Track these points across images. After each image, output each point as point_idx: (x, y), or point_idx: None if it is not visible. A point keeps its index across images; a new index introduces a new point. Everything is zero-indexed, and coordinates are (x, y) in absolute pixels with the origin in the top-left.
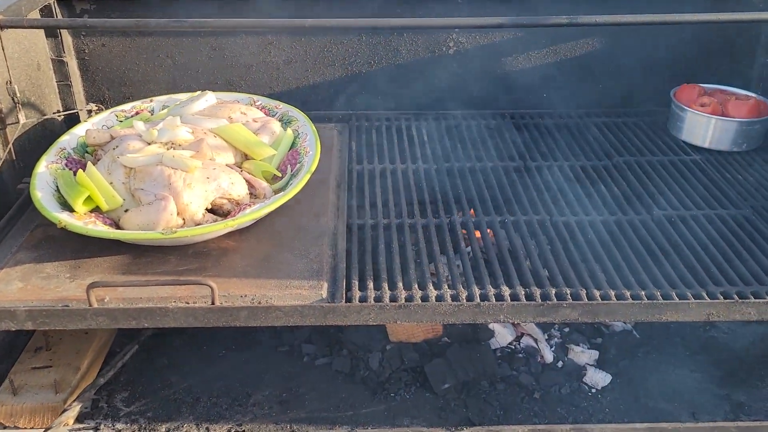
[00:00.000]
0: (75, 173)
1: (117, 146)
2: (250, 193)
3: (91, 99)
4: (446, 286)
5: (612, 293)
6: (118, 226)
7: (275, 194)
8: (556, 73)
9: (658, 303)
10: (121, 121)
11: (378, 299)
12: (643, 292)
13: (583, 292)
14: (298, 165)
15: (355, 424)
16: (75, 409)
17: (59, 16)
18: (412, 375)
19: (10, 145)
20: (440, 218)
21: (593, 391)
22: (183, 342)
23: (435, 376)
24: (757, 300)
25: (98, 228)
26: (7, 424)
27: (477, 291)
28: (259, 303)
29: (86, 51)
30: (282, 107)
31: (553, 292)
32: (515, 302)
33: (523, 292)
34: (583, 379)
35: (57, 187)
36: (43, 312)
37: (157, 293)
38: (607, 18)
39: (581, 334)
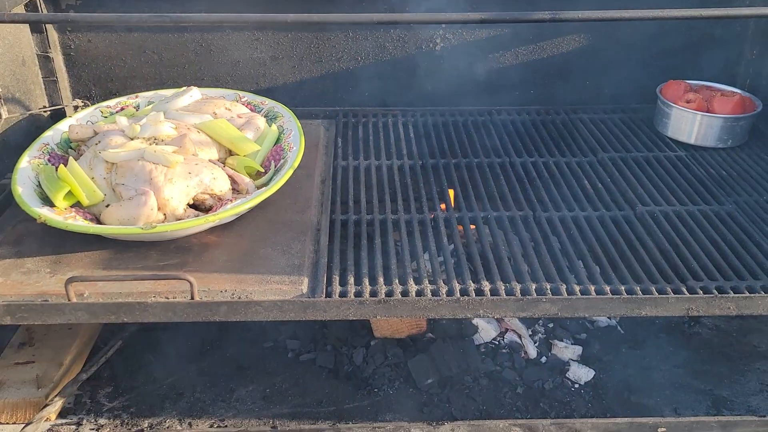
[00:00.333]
0: (57, 168)
1: (99, 141)
2: (233, 189)
3: (78, 95)
4: (427, 281)
5: (592, 288)
6: (99, 221)
7: (258, 190)
8: (542, 69)
9: (637, 298)
10: (105, 117)
11: (358, 294)
12: (622, 287)
13: (563, 287)
14: (281, 161)
15: (337, 419)
16: (57, 404)
17: (44, 12)
18: (396, 370)
19: None
20: (423, 214)
21: (576, 386)
22: (168, 337)
23: (418, 372)
24: (737, 295)
25: (78, 223)
26: None
27: (457, 286)
28: (239, 298)
29: (72, 47)
30: (267, 103)
31: (533, 287)
32: (495, 297)
33: (503, 287)
34: (567, 375)
35: (39, 182)
36: (21, 307)
37: (137, 288)
38: (590, 14)
39: (565, 329)
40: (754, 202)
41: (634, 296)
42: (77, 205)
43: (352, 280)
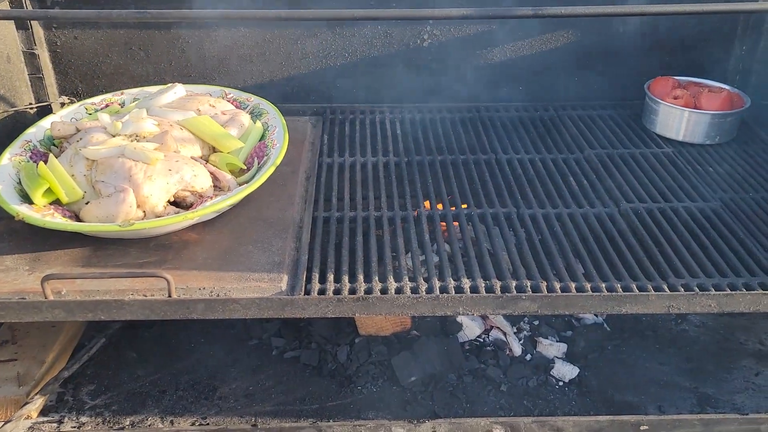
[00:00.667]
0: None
1: (81, 139)
2: (215, 186)
3: (64, 92)
4: (407, 279)
5: (572, 285)
6: (79, 219)
7: (240, 187)
8: (531, 65)
9: (617, 295)
10: (90, 114)
11: (337, 292)
12: (603, 285)
13: (544, 285)
14: (265, 158)
15: (319, 417)
16: (37, 402)
17: (28, 8)
18: (380, 368)
19: None
20: (407, 211)
21: (560, 383)
22: (152, 335)
23: (401, 369)
24: (718, 292)
25: (55, 220)
26: None
27: (437, 283)
28: (217, 296)
29: (58, 43)
30: (253, 100)
31: (514, 284)
32: (474, 294)
33: (483, 285)
34: (551, 372)
35: (20, 179)
36: None
37: (114, 286)
38: (573, 9)
39: (551, 327)
40: (740, 199)
41: (614, 294)
42: (57, 202)
43: (332, 277)
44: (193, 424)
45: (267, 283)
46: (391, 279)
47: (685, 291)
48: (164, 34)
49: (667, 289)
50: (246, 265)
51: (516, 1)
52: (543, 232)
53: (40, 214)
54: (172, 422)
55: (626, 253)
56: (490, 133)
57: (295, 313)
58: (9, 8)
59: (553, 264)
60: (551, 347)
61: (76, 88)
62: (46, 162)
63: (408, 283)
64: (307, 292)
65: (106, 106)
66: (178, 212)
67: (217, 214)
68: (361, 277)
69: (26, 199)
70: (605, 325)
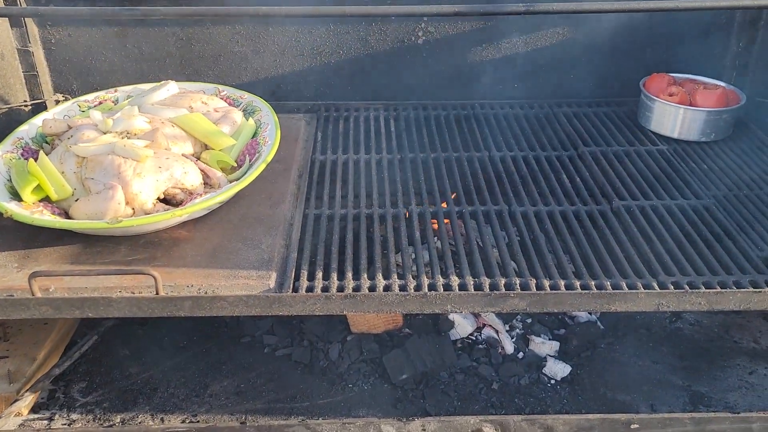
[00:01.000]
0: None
1: (71, 136)
2: (205, 183)
3: (59, 89)
4: (395, 276)
5: (562, 283)
6: (68, 216)
7: (230, 184)
8: (526, 62)
9: (606, 293)
10: (83, 111)
11: (325, 289)
12: (593, 282)
13: (533, 282)
14: (256, 155)
15: (309, 415)
16: (27, 399)
17: (22, 5)
18: (371, 366)
19: None
20: (398, 208)
21: (552, 382)
22: (145, 332)
23: (393, 367)
24: (708, 290)
25: (44, 217)
26: None
27: (426, 281)
28: (205, 293)
29: (53, 41)
30: (246, 97)
31: (503, 282)
32: (462, 292)
33: (472, 283)
34: (543, 370)
35: (10, 176)
36: None
37: (103, 283)
38: (564, 5)
39: (543, 325)
40: (733, 197)
41: (603, 291)
42: (46, 199)
43: (320, 275)
44: (183, 422)
45: (255, 280)
46: (379, 276)
47: (675, 289)
48: (158, 31)
49: (657, 287)
50: (235, 262)
51: None
52: (534, 229)
53: (29, 211)
54: (162, 419)
55: (617, 251)
56: (484, 130)
57: (282, 311)
58: (2, 5)
59: (543, 262)
60: (544, 345)
61: (70, 86)
62: (37, 159)
63: (397, 280)
64: (295, 290)
65: (100, 103)
66: (167, 209)
67: (207, 211)
68: (349, 275)
69: (16, 196)
70: (599, 323)
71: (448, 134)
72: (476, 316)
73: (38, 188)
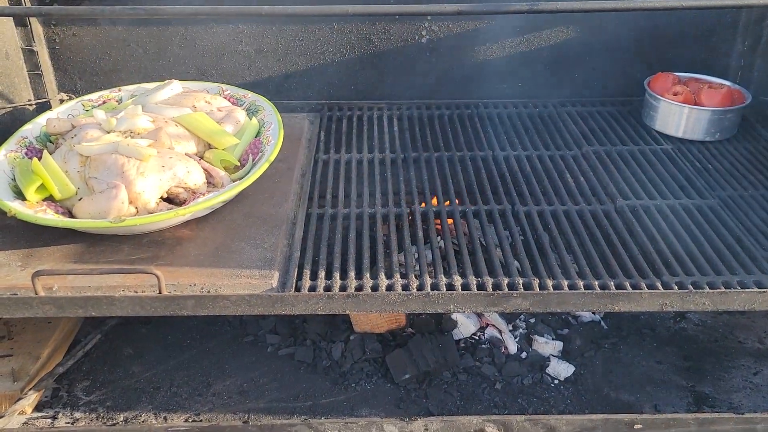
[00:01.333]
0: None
1: (75, 135)
2: (209, 182)
3: (63, 88)
4: (398, 276)
5: (565, 283)
6: (72, 215)
7: (233, 183)
8: (530, 61)
9: (609, 293)
10: (87, 110)
11: (328, 288)
12: (596, 282)
13: (536, 282)
14: (260, 154)
15: (312, 414)
16: (31, 398)
17: (27, 5)
18: (374, 365)
19: None
20: (401, 208)
21: (555, 382)
22: (148, 331)
23: (396, 367)
24: (712, 290)
25: (47, 216)
26: None
27: (428, 280)
28: (208, 292)
29: (57, 40)
30: (250, 96)
31: (506, 281)
32: (465, 292)
33: (474, 282)
34: (546, 370)
35: (14, 176)
36: None
37: (106, 282)
38: (567, 4)
39: (547, 325)
40: (738, 197)
41: (606, 291)
42: (50, 198)
43: (323, 274)
44: (186, 421)
45: (258, 279)
46: (382, 276)
47: (678, 289)
48: (162, 30)
49: (660, 287)
50: (238, 261)
51: None
52: (537, 229)
53: (32, 210)
54: (165, 418)
55: (621, 251)
56: (487, 129)
57: (285, 310)
58: (7, 5)
59: (546, 261)
60: (547, 345)
61: (75, 85)
62: (40, 158)
63: (399, 280)
64: (298, 289)
65: (104, 102)
66: (170, 209)
67: (210, 210)
68: (352, 274)
69: (20, 195)
70: (602, 323)
71: (452, 133)
72: (479, 315)
73: (42, 187)
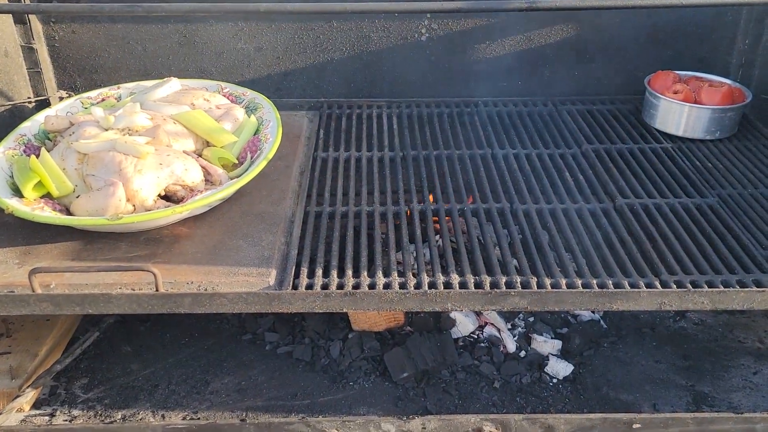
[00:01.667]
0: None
1: (73, 132)
2: (207, 180)
3: (63, 86)
4: (395, 274)
5: (563, 282)
6: (69, 213)
7: (230, 181)
8: (530, 59)
9: (608, 292)
10: (86, 108)
11: (325, 287)
12: (594, 281)
13: (534, 281)
14: (258, 152)
15: (310, 412)
16: (29, 395)
17: (27, 2)
18: (372, 364)
19: None
20: (399, 206)
21: (554, 381)
22: (147, 329)
23: (394, 365)
24: (711, 289)
25: (44, 214)
26: None
27: (426, 279)
28: (205, 290)
29: (56, 38)
30: (249, 94)
31: (503, 280)
32: (463, 290)
33: (472, 281)
34: (545, 369)
35: (12, 173)
36: None
37: (103, 279)
38: (567, 2)
39: (546, 323)
40: (738, 195)
41: (605, 290)
42: (47, 196)
43: (320, 272)
44: (184, 419)
45: (255, 277)
46: (379, 274)
47: (677, 288)
48: (161, 28)
49: (659, 286)
50: (235, 259)
51: None
52: (536, 227)
53: (29, 207)
54: (163, 416)
55: (619, 250)
56: (487, 127)
57: (282, 308)
58: (6, 2)
59: (544, 260)
60: (546, 344)
61: (74, 83)
62: (38, 156)
63: (397, 278)
64: (295, 287)
65: (102, 100)
66: (168, 206)
67: (208, 208)
68: (349, 272)
69: (18, 192)
70: (602, 322)
71: (451, 131)
72: (478, 314)
73: (39, 185)
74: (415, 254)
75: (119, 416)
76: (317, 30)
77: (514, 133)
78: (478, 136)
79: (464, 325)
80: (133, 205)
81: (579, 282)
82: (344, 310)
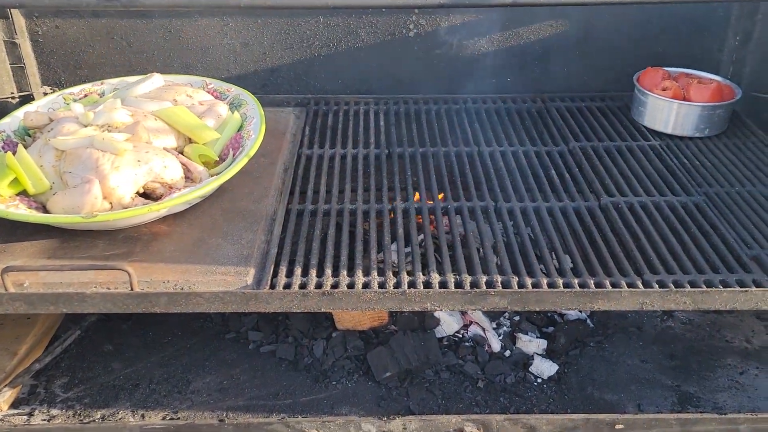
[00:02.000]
0: None
1: (52, 129)
2: (187, 177)
3: (47, 82)
4: (375, 273)
5: (544, 281)
6: (46, 210)
7: (210, 178)
8: (519, 56)
9: (588, 291)
10: (68, 104)
11: (303, 286)
12: (576, 281)
13: (515, 280)
14: (240, 149)
15: (291, 412)
16: (7, 395)
17: None
18: (356, 363)
19: None
20: (383, 204)
21: (539, 380)
22: (129, 327)
23: (377, 365)
24: (693, 289)
25: (19, 211)
26: None
27: (406, 278)
28: (181, 289)
29: (40, 33)
30: (233, 90)
31: (484, 279)
32: (442, 290)
33: (453, 280)
34: (530, 369)
35: None
36: None
37: (78, 278)
38: None
39: (531, 322)
40: (725, 194)
41: (585, 290)
42: (23, 193)
43: (299, 271)
44: (164, 419)
45: (233, 276)
46: (359, 273)
47: (659, 288)
48: (146, 23)
49: (641, 286)
50: (213, 258)
51: None
52: (519, 226)
53: (4, 205)
54: (143, 416)
55: (603, 249)
56: (474, 125)
57: (259, 308)
58: None
59: (526, 259)
60: (531, 343)
61: (59, 78)
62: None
63: (376, 277)
64: (273, 286)
65: (85, 95)
66: (146, 204)
67: (188, 206)
68: (329, 271)
69: None
70: (588, 321)
71: (438, 129)
72: (463, 313)
73: (15, 181)
74: (396, 253)
75: (98, 416)
76: (304, 26)
77: (501, 130)
78: (465, 133)
79: (449, 324)
80: (110, 203)
81: (560, 281)
82: (322, 310)
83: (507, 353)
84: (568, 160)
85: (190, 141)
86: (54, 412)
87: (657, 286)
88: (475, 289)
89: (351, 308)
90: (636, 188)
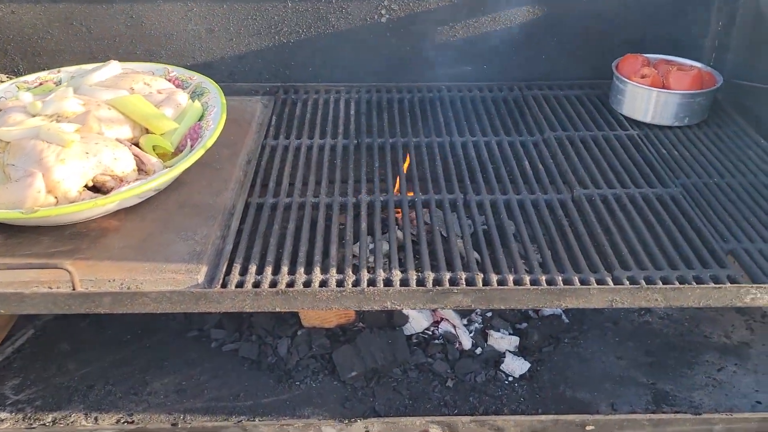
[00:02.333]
0: None
1: None
2: (140, 170)
3: (4, 70)
4: (334, 271)
5: (510, 278)
6: None
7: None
8: (496, 42)
9: (556, 289)
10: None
11: (257, 284)
12: (543, 278)
13: (480, 277)
14: (199, 139)
15: (251, 415)
16: None
17: None
18: (321, 362)
19: None
20: (347, 197)
21: (510, 379)
22: (87, 326)
23: (342, 364)
24: (664, 286)
25: None
26: None
27: (365, 276)
28: (127, 288)
29: None
30: (196, 78)
31: (447, 276)
32: (403, 288)
33: (414, 277)
34: (501, 367)
35: None
36: None
37: (19, 277)
38: None
39: (504, 319)
40: (703, 185)
41: (553, 288)
42: None
43: (254, 269)
44: (117, 422)
45: (183, 274)
46: (317, 271)
47: (630, 284)
48: (107, 9)
49: (611, 282)
50: (164, 255)
51: None
52: (488, 219)
53: None
54: (96, 419)
55: (573, 244)
56: (448, 114)
57: (209, 308)
58: None
59: (494, 255)
60: (502, 340)
61: (16, 66)
62: None
63: (335, 275)
64: (225, 285)
65: (40, 84)
66: (95, 198)
67: (139, 200)
68: (285, 269)
69: None
70: (563, 316)
71: (410, 118)
72: (433, 310)
73: None
74: (358, 249)
75: (49, 419)
76: (271, 11)
77: (475, 119)
78: (437, 122)
79: (418, 321)
80: (56, 197)
81: (527, 278)
82: (277, 310)
83: (478, 351)
84: (542, 150)
85: (148, 131)
86: (2, 415)
87: (628, 282)
88: (438, 287)
89: (307, 307)
90: (611, 180)
